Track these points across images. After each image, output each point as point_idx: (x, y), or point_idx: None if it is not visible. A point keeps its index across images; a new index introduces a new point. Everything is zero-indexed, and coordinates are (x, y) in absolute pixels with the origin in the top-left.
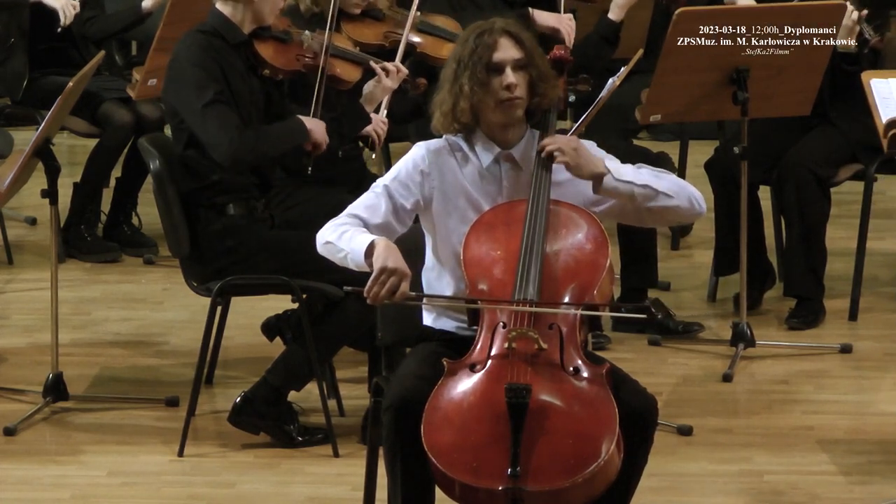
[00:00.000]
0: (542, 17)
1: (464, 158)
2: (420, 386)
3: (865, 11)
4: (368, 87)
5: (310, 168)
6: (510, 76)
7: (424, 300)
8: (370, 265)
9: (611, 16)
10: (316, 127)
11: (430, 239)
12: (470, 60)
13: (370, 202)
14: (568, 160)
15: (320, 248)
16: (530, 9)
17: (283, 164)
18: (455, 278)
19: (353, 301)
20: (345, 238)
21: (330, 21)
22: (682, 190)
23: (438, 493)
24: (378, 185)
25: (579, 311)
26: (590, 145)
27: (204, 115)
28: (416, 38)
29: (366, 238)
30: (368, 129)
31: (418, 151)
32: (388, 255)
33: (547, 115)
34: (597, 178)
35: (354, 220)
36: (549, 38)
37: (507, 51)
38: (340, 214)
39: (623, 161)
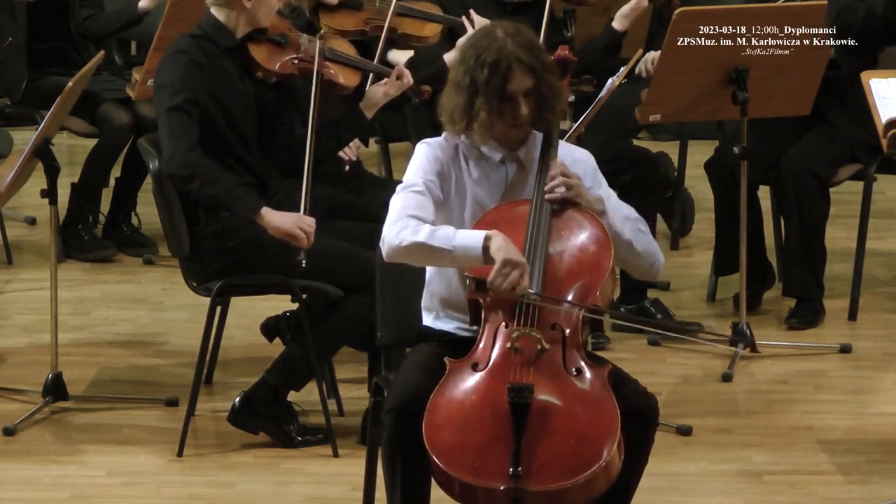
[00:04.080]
0: None
1: (470, 158)
2: (422, 388)
3: None
4: (370, 91)
5: (304, 262)
6: (522, 107)
7: (543, 299)
8: (487, 259)
9: (615, 26)
10: (280, 218)
11: None
12: (486, 88)
13: (417, 202)
14: (571, 196)
15: (399, 254)
16: None
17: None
18: (459, 279)
19: (353, 301)
20: (439, 237)
21: (317, 22)
22: (652, 254)
23: (437, 493)
24: (417, 185)
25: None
26: (586, 158)
27: (164, 117)
28: (396, 21)
29: (474, 231)
30: None
31: (431, 148)
32: (509, 248)
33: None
34: None
35: (418, 221)
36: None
37: (520, 81)
38: (397, 217)
39: (623, 164)
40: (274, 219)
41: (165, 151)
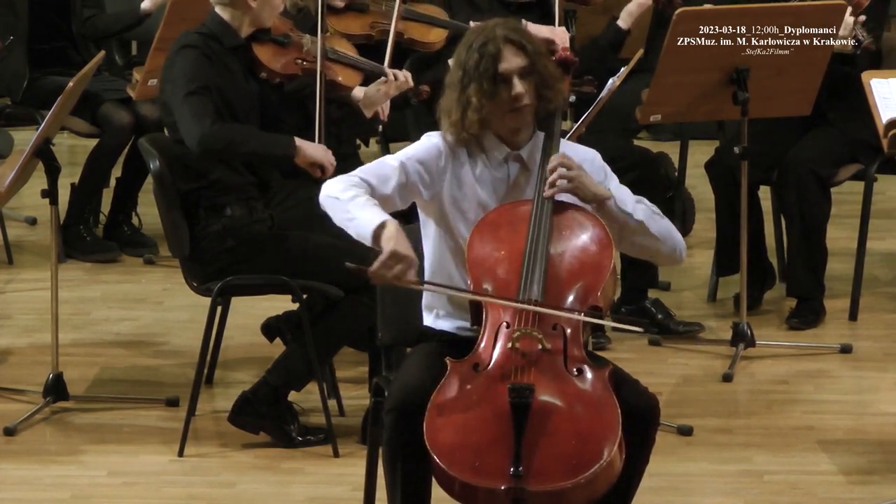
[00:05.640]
0: (537, 30)
1: (473, 157)
2: (422, 388)
3: (863, 17)
4: (369, 92)
5: None
6: (518, 86)
7: (425, 286)
8: (377, 244)
9: (620, 24)
10: (312, 148)
11: (433, 236)
12: (476, 72)
13: (382, 172)
14: (572, 187)
15: (323, 200)
16: (524, 21)
17: (271, 167)
18: (458, 277)
19: (353, 301)
20: (357, 202)
21: (321, 25)
22: (670, 237)
23: (438, 493)
24: (394, 159)
25: (582, 318)
26: (593, 156)
27: (184, 103)
28: (401, 26)
29: (378, 214)
30: None
31: (435, 140)
32: (399, 240)
33: (553, 118)
34: (599, 201)
35: (364, 185)
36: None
37: (511, 60)
38: (350, 174)
39: (623, 164)
40: (308, 149)
41: (193, 133)
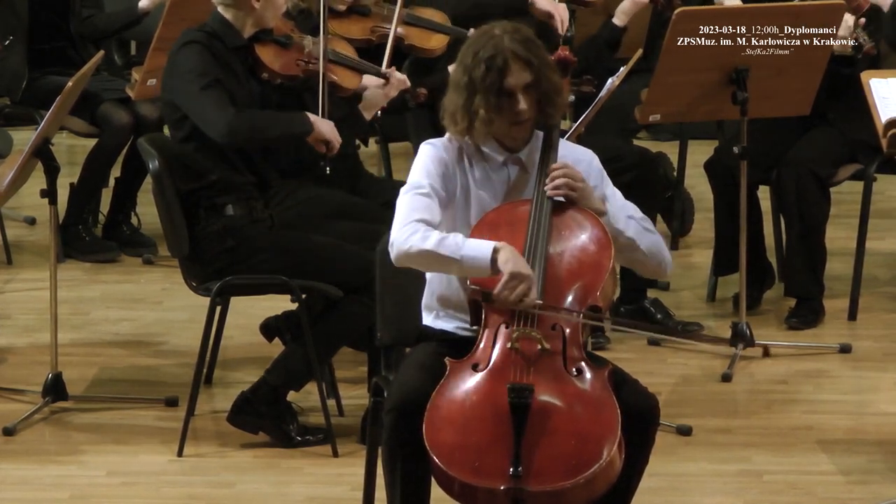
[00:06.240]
0: (541, 3)
1: (472, 160)
2: (422, 388)
3: (863, 19)
4: (368, 94)
5: (328, 169)
6: (521, 102)
7: (550, 312)
8: (495, 270)
9: (616, 21)
10: (323, 124)
11: None
12: (482, 84)
13: (424, 204)
14: (574, 195)
15: (403, 258)
16: None
17: (297, 159)
18: (459, 278)
19: (353, 301)
20: (446, 244)
21: (323, 27)
22: (658, 253)
23: (438, 493)
24: (423, 187)
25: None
26: (591, 157)
27: (201, 96)
28: (402, 31)
29: (482, 242)
30: None
31: (435, 149)
32: (518, 261)
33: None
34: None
35: (429, 225)
36: (545, 27)
37: (517, 75)
38: (405, 221)
39: (623, 164)
40: (319, 125)
41: (219, 123)
